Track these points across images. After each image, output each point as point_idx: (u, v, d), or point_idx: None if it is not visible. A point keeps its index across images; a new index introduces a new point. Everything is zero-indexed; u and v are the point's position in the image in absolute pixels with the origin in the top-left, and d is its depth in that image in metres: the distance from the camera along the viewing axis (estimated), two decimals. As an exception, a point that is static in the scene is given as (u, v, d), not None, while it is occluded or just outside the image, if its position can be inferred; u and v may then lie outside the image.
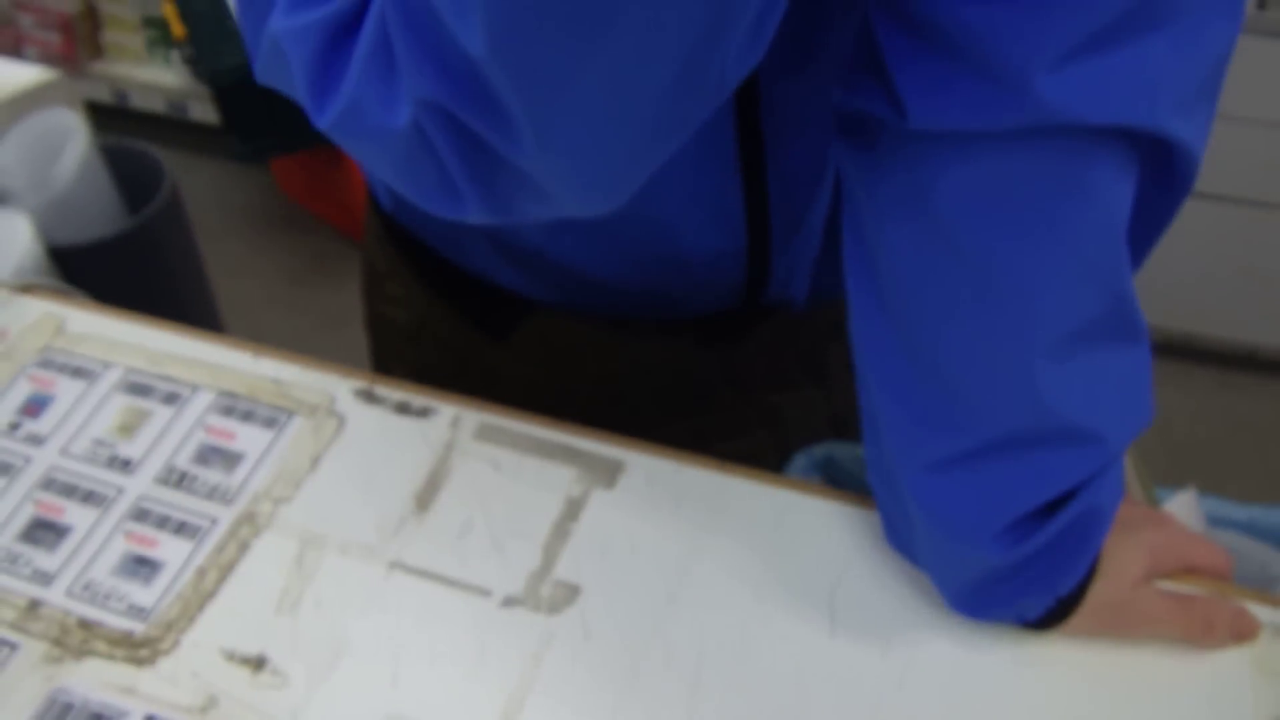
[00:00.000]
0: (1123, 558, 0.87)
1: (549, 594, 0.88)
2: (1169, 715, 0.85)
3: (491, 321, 1.10)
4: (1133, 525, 0.89)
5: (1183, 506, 0.99)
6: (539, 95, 0.60)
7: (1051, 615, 0.84)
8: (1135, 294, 0.77)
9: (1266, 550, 0.97)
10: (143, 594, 0.89)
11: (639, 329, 1.06)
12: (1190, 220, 2.24)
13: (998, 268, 0.74)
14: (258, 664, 0.85)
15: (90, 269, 1.54)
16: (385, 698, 0.83)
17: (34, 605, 0.88)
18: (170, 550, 0.93)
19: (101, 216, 1.63)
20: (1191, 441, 2.58)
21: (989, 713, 0.84)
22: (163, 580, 0.90)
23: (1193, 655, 0.88)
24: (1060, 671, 0.86)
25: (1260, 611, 0.90)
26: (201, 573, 0.90)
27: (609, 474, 0.94)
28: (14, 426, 1.00)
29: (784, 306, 1.06)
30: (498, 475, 0.95)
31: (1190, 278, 2.48)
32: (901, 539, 0.89)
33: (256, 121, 2.43)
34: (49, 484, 0.96)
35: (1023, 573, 0.81)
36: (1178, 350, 2.66)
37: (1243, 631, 0.89)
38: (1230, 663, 0.88)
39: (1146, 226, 0.79)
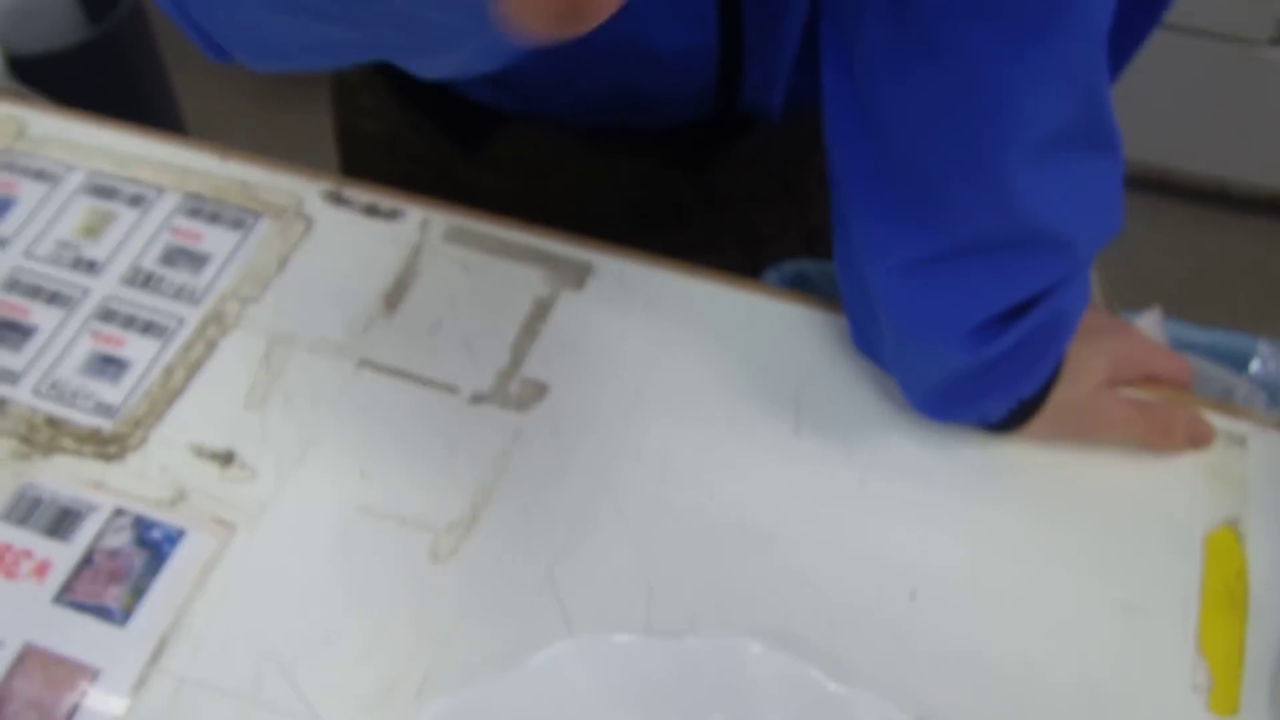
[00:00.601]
0: (1085, 362, 0.87)
1: (517, 391, 0.89)
2: (1125, 518, 0.86)
3: (463, 133, 1.09)
4: (1097, 332, 0.90)
5: (1147, 326, 1.00)
6: None
7: (1014, 417, 0.85)
8: (1111, 103, 0.77)
9: (1227, 373, 0.98)
10: (110, 392, 0.89)
11: (612, 141, 1.05)
12: (1167, 55, 2.23)
13: (977, 68, 0.73)
14: (226, 458, 0.86)
15: (52, 79, 1.52)
16: (354, 490, 0.84)
17: (1, 404, 0.88)
18: (137, 349, 0.92)
19: (63, 25, 1.60)
20: (1160, 275, 2.59)
21: (949, 512, 0.86)
22: (130, 378, 0.90)
23: (1149, 460, 0.89)
24: (1020, 474, 0.88)
25: (1216, 419, 0.91)
26: (169, 371, 0.90)
27: (578, 276, 0.94)
28: (-25, 227, 0.99)
29: (759, 117, 1.05)
30: (466, 276, 0.94)
31: (1167, 113, 2.47)
32: (868, 342, 0.89)
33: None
34: (13, 285, 0.95)
35: (987, 374, 0.82)
36: (1152, 185, 2.66)
37: (1198, 438, 0.90)
38: (1185, 469, 0.90)
39: (1124, 38, 0.79)
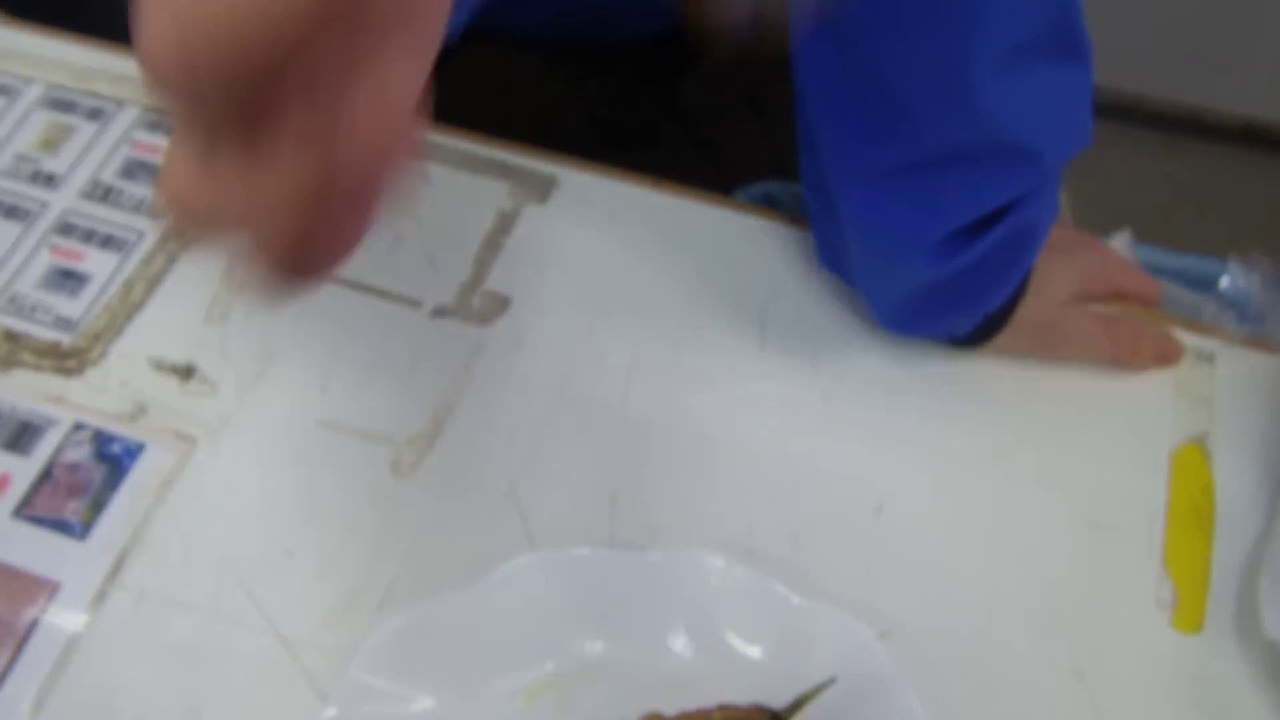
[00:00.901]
0: (1053, 277, 0.87)
1: (479, 305, 0.88)
2: (1092, 434, 0.86)
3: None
4: (1065, 247, 0.89)
5: (1117, 249, 0.99)
6: None
7: (980, 332, 0.85)
8: (1081, 12, 0.75)
9: (1195, 295, 0.98)
10: (69, 306, 0.88)
11: (578, 58, 1.03)
12: (1143, -20, 2.21)
13: None
14: (186, 372, 0.85)
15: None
16: (315, 404, 0.83)
17: (-42, 315, 0.87)
18: (96, 263, 0.91)
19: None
20: (1130, 203, 2.57)
21: (915, 428, 0.85)
22: (89, 292, 0.89)
23: (1117, 377, 0.89)
24: (986, 389, 0.87)
25: (1184, 336, 0.91)
26: (129, 285, 0.89)
27: (542, 189, 0.93)
28: (-69, 138, 0.97)
29: (726, 31, 1.03)
30: (429, 190, 0.93)
31: (1139, 39, 2.45)
32: (833, 257, 0.88)
33: None
34: (-29, 198, 0.93)
35: (954, 288, 0.81)
36: (1124, 112, 2.65)
37: (1166, 354, 0.90)
38: (1153, 385, 0.89)
39: None
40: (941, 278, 0.80)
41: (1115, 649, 0.77)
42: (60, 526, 0.78)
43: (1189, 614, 0.78)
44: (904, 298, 0.83)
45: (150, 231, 0.92)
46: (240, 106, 0.33)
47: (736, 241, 0.93)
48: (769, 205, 0.99)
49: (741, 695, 0.69)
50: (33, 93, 1.00)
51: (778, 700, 0.69)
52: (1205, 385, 0.88)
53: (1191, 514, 0.83)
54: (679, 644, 0.74)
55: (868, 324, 0.88)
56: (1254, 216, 2.54)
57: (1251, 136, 2.60)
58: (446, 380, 0.84)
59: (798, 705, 0.67)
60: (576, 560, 0.74)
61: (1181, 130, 2.65)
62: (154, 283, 0.89)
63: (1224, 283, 0.97)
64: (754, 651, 0.73)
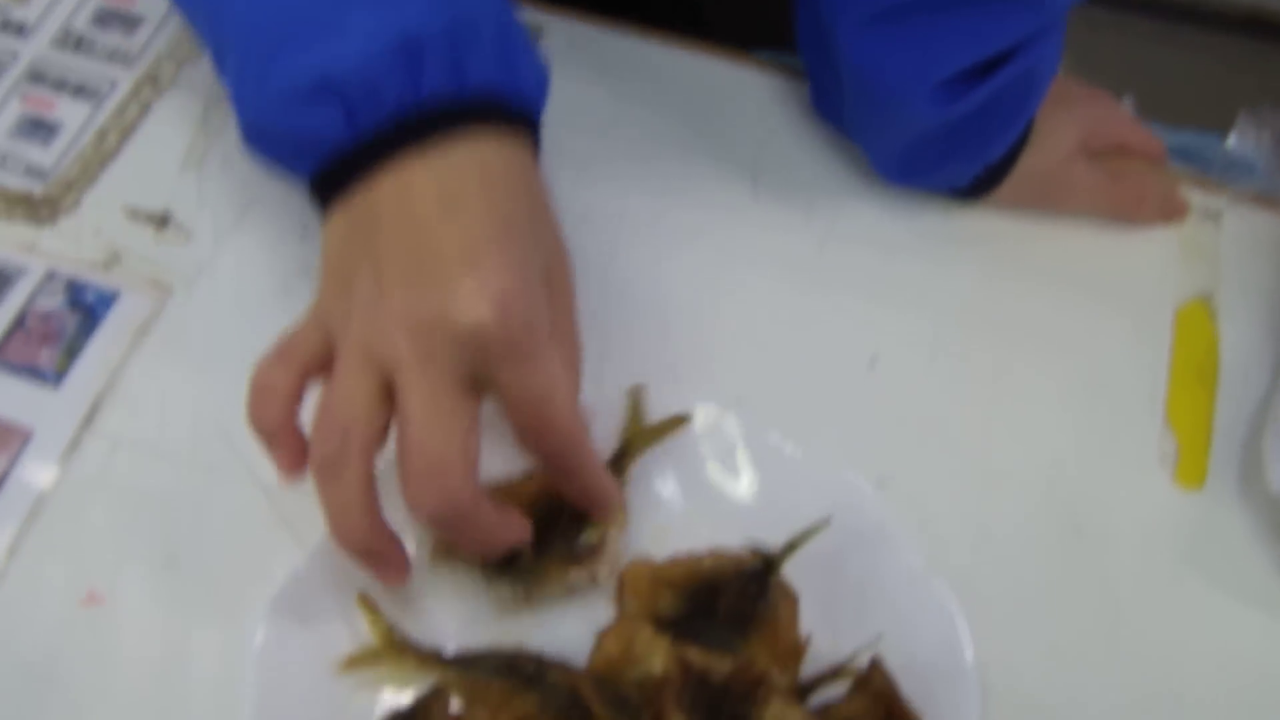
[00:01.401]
0: (1055, 129, 0.84)
1: (465, 153, 0.84)
2: (1094, 290, 0.84)
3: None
4: (1068, 99, 0.87)
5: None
6: None
7: (980, 183, 0.82)
8: None
9: (1197, 173, 0.95)
10: (41, 155, 0.85)
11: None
12: None
13: None
14: (162, 220, 0.82)
15: None
16: (294, 252, 0.81)
17: (-73, 164, 0.84)
18: (69, 112, 0.88)
19: None
20: (1124, 91, 2.54)
21: (911, 281, 0.84)
22: (61, 141, 0.86)
23: (1120, 233, 0.87)
24: (985, 244, 0.85)
25: (1190, 193, 0.88)
26: (102, 134, 0.86)
27: (529, 36, 0.89)
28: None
29: None
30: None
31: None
32: (830, 105, 0.85)
33: None
34: (-61, 47, 0.90)
35: (954, 136, 0.79)
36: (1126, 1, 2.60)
37: (1172, 210, 0.87)
38: (1157, 242, 0.87)
39: None
40: (941, 125, 0.78)
41: (1116, 504, 0.76)
42: (33, 374, 0.76)
43: (1191, 469, 0.77)
44: (903, 146, 0.81)
45: (123, 80, 0.88)
46: None
47: (728, 92, 0.90)
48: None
49: (732, 541, 0.67)
50: (2, -60, 0.96)
51: (769, 546, 0.66)
52: (1211, 243, 0.86)
53: (1195, 371, 0.81)
54: (668, 489, 0.72)
55: (864, 175, 0.85)
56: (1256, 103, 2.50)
57: (1256, 25, 2.55)
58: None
59: (791, 547, 0.65)
60: None
61: (1178, 18, 2.61)
62: (128, 131, 0.87)
63: (1231, 140, 0.94)
64: (745, 498, 0.72)
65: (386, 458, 0.61)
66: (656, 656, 0.63)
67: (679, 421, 0.72)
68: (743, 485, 0.72)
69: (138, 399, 0.75)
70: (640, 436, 0.72)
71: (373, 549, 0.62)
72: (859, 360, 0.80)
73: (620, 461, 0.71)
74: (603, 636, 0.64)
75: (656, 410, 0.74)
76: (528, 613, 0.69)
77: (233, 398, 0.72)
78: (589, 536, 0.68)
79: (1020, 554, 0.73)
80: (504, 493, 0.69)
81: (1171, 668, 0.70)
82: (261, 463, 0.69)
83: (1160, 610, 0.72)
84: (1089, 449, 0.78)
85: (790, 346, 0.80)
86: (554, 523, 0.68)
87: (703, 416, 0.73)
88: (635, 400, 0.73)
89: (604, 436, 0.73)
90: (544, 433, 0.60)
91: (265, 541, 0.71)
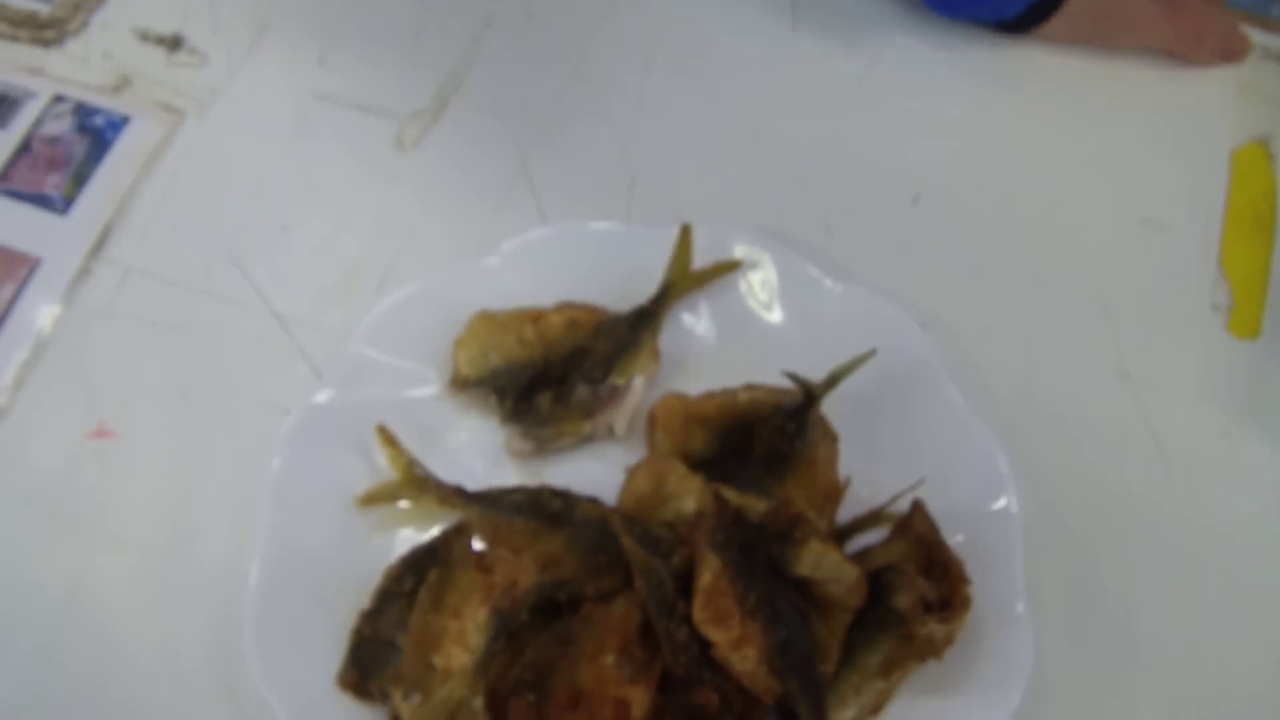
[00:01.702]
0: (1113, -43, 0.79)
1: (491, -26, 0.80)
2: (1148, 130, 0.81)
3: None
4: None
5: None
6: None
7: (1032, 13, 0.78)
8: None
9: (1259, 12, 0.90)
10: (47, -26, 0.80)
11: None
12: None
13: None
14: (174, 43, 0.78)
15: None
16: (312, 76, 0.77)
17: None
18: (76, -71, 0.83)
19: None
20: None
21: (958, 116, 0.80)
22: (68, -41, 0.81)
23: (1177, 70, 0.82)
24: (1036, 79, 0.81)
25: (1252, 32, 0.83)
26: (111, -48, 0.81)
27: None
28: None
29: None
30: None
31: None
32: (877, -71, 0.80)
33: None
34: None
35: (1006, -40, 0.74)
36: None
37: (1232, 49, 0.82)
38: (1215, 81, 0.83)
39: None
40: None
41: (1166, 351, 0.73)
42: (40, 201, 0.73)
43: (1246, 318, 0.73)
44: (952, -30, 0.76)
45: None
46: None
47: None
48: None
49: (770, 376, 0.63)
50: None
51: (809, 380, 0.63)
52: (1271, 85, 0.82)
53: (1252, 216, 0.77)
54: (702, 325, 0.68)
55: (909, 4, 0.82)
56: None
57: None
58: (453, 53, 0.78)
59: (833, 380, 0.62)
60: (594, 233, 0.69)
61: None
62: (138, -52, 0.81)
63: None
64: (783, 333, 0.69)
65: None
66: (689, 495, 0.60)
67: (728, 266, 0.69)
68: (781, 320, 0.69)
69: (148, 226, 0.71)
70: (685, 279, 0.68)
71: None
72: (902, 195, 0.77)
73: (660, 303, 0.67)
74: (633, 473, 0.62)
75: (696, 246, 0.70)
76: (540, 463, 0.65)
77: (247, 225, 0.71)
78: (615, 379, 0.65)
79: (1065, 398, 0.70)
80: (531, 321, 0.66)
81: (1221, 519, 0.67)
82: (275, 291, 0.66)
83: (1208, 461, 0.69)
84: (1141, 292, 0.74)
85: (831, 181, 0.76)
86: (579, 363, 0.65)
87: (740, 250, 0.69)
88: (684, 240, 0.69)
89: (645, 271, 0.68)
90: None
91: (280, 372, 0.69)
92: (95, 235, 0.71)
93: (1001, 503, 0.63)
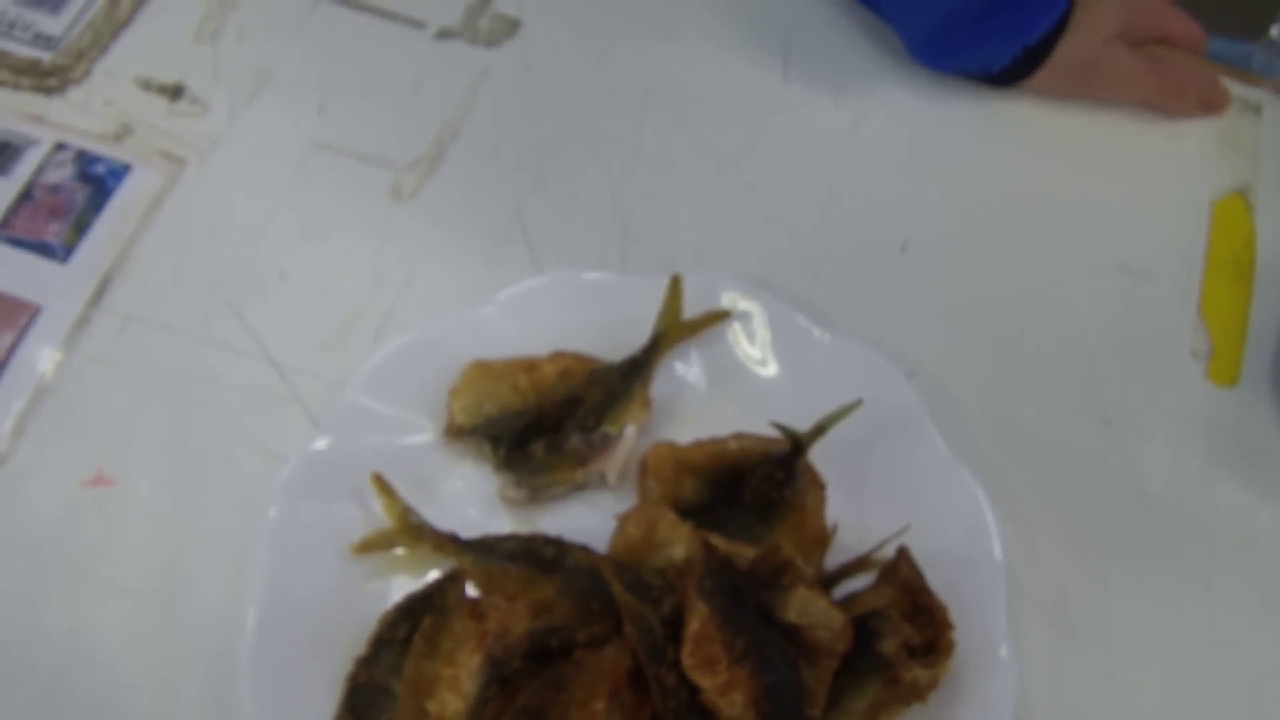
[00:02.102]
0: (1095, 13, 0.81)
1: (487, 27, 0.83)
2: (1131, 180, 0.82)
3: None
4: (1109, -18, 0.83)
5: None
6: None
7: (1017, 67, 0.79)
8: None
9: (1245, 45, 0.92)
10: (50, 23, 0.83)
11: None
12: None
13: None
14: (175, 92, 0.80)
15: None
16: (311, 126, 0.79)
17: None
18: (79, -21, 0.84)
19: None
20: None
21: (945, 165, 0.82)
22: (72, 9, 0.84)
23: (1160, 122, 0.84)
24: (1022, 130, 0.83)
25: (1231, 85, 0.85)
26: (114, 2, 0.82)
27: (555, -93, 0.86)
28: None
29: None
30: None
31: None
32: (864, -16, 0.82)
33: None
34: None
35: (990, 16, 0.76)
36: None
37: (1212, 101, 0.84)
38: (1197, 133, 0.84)
39: None
40: (977, 2, 0.74)
41: (1147, 397, 0.74)
42: (41, 249, 0.74)
43: (1225, 365, 0.75)
44: (937, 26, 0.78)
45: (135, -53, 0.85)
46: None
47: (759, -31, 0.86)
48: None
49: (759, 425, 0.65)
50: None
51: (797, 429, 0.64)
52: (1250, 136, 0.84)
53: (1231, 265, 0.79)
54: (693, 373, 0.69)
55: (898, 57, 0.83)
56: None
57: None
58: (450, 104, 0.79)
59: (820, 429, 0.63)
60: (588, 284, 0.70)
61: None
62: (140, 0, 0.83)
63: (1275, 31, 0.91)
64: (772, 383, 0.70)
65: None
66: (679, 542, 0.61)
67: (717, 316, 0.70)
68: (770, 370, 0.70)
69: (148, 274, 0.73)
70: (676, 329, 0.69)
71: None
72: (890, 244, 0.78)
73: (651, 352, 0.68)
74: (624, 520, 0.62)
75: (687, 294, 0.71)
76: (533, 511, 0.66)
77: (246, 273, 0.72)
78: (607, 428, 0.66)
79: (1048, 444, 0.71)
80: (525, 370, 0.66)
81: (1200, 565, 0.68)
82: (272, 338, 0.68)
83: (1190, 507, 0.70)
84: (1122, 340, 0.75)
85: (821, 230, 0.77)
86: (571, 412, 0.66)
87: (729, 299, 0.70)
88: (674, 290, 0.70)
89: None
90: None
91: (277, 420, 0.69)
92: (95, 283, 0.72)
93: (985, 548, 0.63)
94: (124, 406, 0.69)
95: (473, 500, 0.66)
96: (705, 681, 0.55)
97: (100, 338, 0.72)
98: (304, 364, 0.70)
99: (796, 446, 0.62)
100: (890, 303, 0.74)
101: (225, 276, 0.74)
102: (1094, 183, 0.81)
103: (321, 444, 0.65)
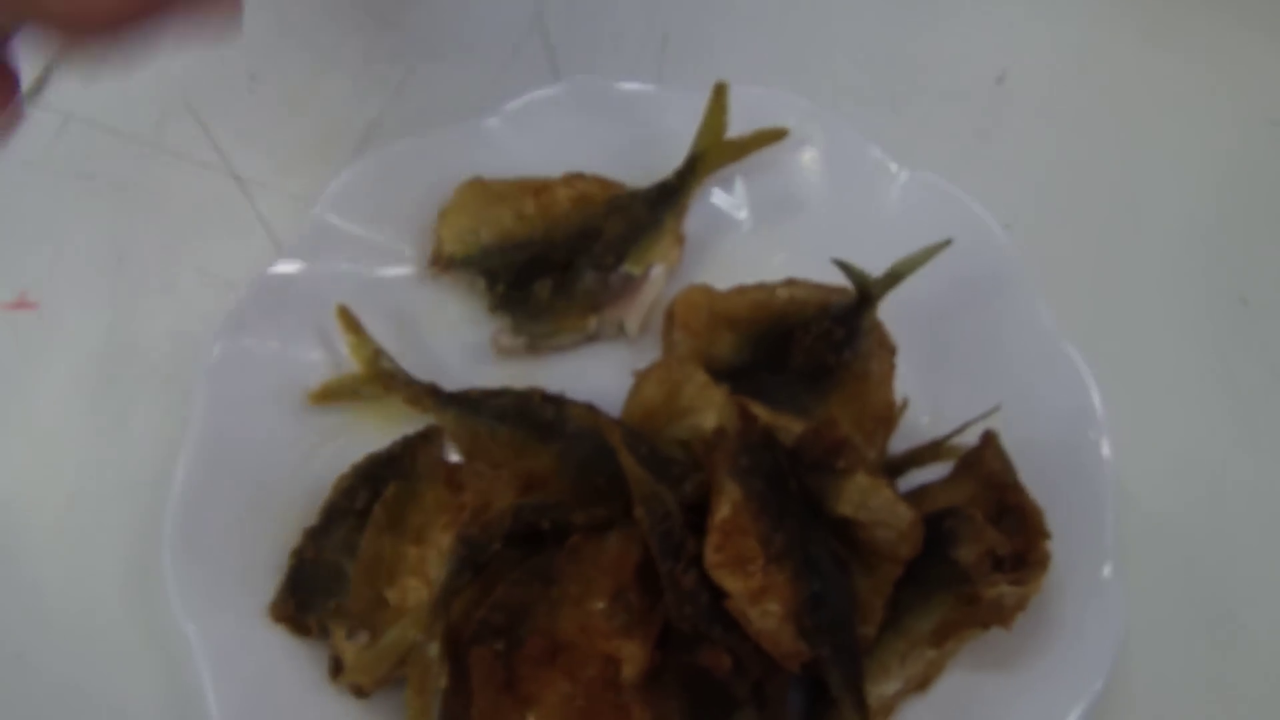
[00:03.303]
0: None
1: None
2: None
3: None
4: None
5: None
6: None
7: None
8: None
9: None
10: None
11: None
12: None
13: None
14: None
15: None
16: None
17: None
18: None
19: None
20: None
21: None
22: None
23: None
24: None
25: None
26: None
27: None
28: None
29: None
30: None
31: None
32: None
33: None
34: None
35: None
36: None
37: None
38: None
39: None
40: None
41: (1295, 273, 0.61)
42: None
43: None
44: None
45: None
46: None
47: None
48: None
49: (815, 272, 0.55)
50: None
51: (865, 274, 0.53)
52: None
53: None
54: (737, 206, 0.60)
55: None
56: None
57: None
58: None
59: (896, 276, 0.52)
60: (614, 95, 0.60)
61: None
62: None
63: None
64: (834, 223, 0.58)
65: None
66: (709, 409, 0.51)
67: (772, 135, 0.59)
68: (833, 207, 0.59)
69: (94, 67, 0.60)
70: (719, 150, 0.58)
71: None
72: (984, 75, 0.66)
73: (687, 177, 0.58)
74: (643, 378, 0.52)
75: (735, 112, 0.59)
76: (532, 363, 0.57)
77: (209, 71, 0.63)
78: (629, 268, 0.56)
79: (1171, 324, 0.60)
80: (533, 193, 0.57)
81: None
82: (237, 149, 0.60)
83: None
84: (1265, 204, 0.64)
85: (900, 52, 0.66)
86: (586, 247, 0.57)
87: (787, 118, 0.59)
88: (718, 100, 0.58)
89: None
90: None
91: (234, 242, 0.60)
92: (33, 76, 0.60)
93: (1090, 443, 0.53)
94: (55, 219, 0.61)
95: (459, 347, 0.58)
96: (733, 584, 0.46)
97: (36, 138, 0.63)
98: (271, 179, 0.61)
99: (864, 296, 0.53)
100: (983, 143, 0.64)
101: (186, 75, 0.64)
102: (1237, 18, 0.69)
103: (281, 269, 0.56)
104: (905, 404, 0.55)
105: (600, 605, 0.48)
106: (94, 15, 0.41)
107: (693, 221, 0.59)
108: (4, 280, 0.59)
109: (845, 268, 0.51)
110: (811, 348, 0.54)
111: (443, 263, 0.57)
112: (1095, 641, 0.50)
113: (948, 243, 0.52)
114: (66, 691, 0.52)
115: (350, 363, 0.55)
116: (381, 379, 0.54)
